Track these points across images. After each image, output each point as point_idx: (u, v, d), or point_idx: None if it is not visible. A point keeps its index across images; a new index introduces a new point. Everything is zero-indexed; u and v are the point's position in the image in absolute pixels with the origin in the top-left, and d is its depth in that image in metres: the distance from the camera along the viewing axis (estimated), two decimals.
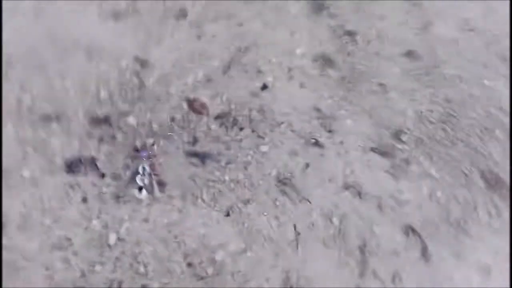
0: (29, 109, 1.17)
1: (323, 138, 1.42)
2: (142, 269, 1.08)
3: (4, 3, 1.29)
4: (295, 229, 1.24)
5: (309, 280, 1.19)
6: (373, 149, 1.46)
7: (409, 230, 1.35)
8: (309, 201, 1.29)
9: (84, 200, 1.11)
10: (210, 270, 1.13)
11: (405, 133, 1.53)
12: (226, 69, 1.42)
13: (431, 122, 1.59)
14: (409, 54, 1.75)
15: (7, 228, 1.02)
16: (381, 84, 1.62)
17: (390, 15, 1.82)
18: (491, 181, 1.52)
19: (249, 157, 1.32)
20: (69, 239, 1.06)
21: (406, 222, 1.36)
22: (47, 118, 1.17)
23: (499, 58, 1.92)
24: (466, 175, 1.50)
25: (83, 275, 1.03)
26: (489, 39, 1.93)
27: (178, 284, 1.08)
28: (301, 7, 1.66)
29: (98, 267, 1.05)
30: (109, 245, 1.08)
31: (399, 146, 1.49)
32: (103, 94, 1.25)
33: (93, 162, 1.16)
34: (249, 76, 1.45)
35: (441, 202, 1.42)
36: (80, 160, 1.15)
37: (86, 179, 1.13)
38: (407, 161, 1.46)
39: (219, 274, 1.13)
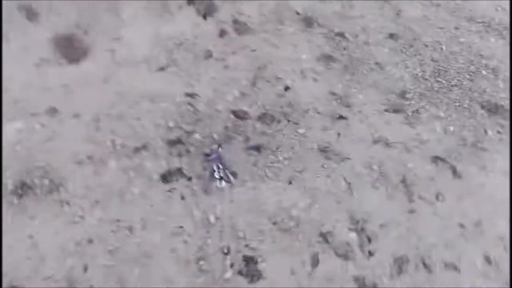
0: (122, 146, 1.55)
1: (344, 112, 1.77)
2: (241, 234, 1.39)
3: (76, 77, 1.71)
4: (345, 180, 1.55)
5: (369, 214, 1.48)
6: (386, 110, 1.79)
7: (437, 159, 1.65)
8: (349, 158, 1.61)
9: (182, 198, 1.45)
10: (291, 224, 1.43)
11: (408, 92, 1.87)
12: (253, 84, 1.81)
13: (426, 79, 1.94)
14: (391, 36, 2.14)
15: (149, 230, 1.35)
16: (377, 63, 1.99)
17: (367, 13, 2.23)
18: (491, 109, 1.83)
19: (292, 140, 1.66)
20: (181, 227, 1.38)
21: (432, 154, 1.66)
22: (137, 149, 1.54)
23: (467, 19, 2.30)
24: (468, 109, 1.83)
25: (200, 249, 1.35)
26: (453, 8, 2.32)
27: (271, 238, 1.38)
28: (296, 26, 2.08)
29: (209, 240, 1.37)
30: (211, 224, 1.40)
31: (406, 102, 1.83)
32: (171, 123, 1.63)
33: (180, 171, 1.51)
34: (272, 84, 1.83)
35: (456, 133, 1.73)
36: (169, 172, 1.50)
37: (179, 184, 1.48)
38: (417, 111, 1.80)
39: (299, 224, 1.43)
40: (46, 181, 1.43)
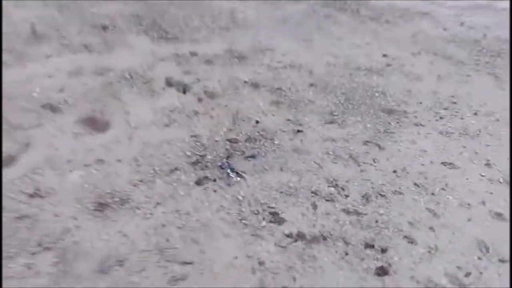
0: (160, 170, 2.17)
1: (300, 128, 2.61)
2: (262, 201, 2.05)
3: (107, 140, 2.33)
4: (315, 162, 2.33)
5: (336, 177, 2.24)
6: (325, 123, 2.67)
7: (366, 142, 2.52)
8: (312, 151, 2.41)
9: (215, 191, 2.09)
10: (292, 190, 2.13)
11: (334, 112, 2.80)
12: (234, 123, 2.59)
13: (342, 104, 2.89)
14: (311, 85, 3.12)
15: (201, 211, 1.94)
16: (308, 100, 2.92)
17: (291, 75, 3.22)
18: (388, 112, 2.81)
19: (273, 148, 2.42)
20: (221, 206, 2.01)
21: (362, 140, 2.53)
22: (171, 171, 2.18)
23: (355, 69, 3.41)
24: (375, 114, 2.78)
25: (239, 214, 1.97)
26: (347, 61, 3.43)
27: (283, 200, 2.06)
28: (248, 89, 2.98)
29: (243, 209, 2.00)
30: (240, 200, 2.05)
31: (335, 117, 2.74)
32: (188, 153, 2.31)
33: (206, 177, 2.16)
34: (246, 121, 2.63)
35: (372, 127, 2.64)
36: (199, 179, 2.15)
37: (209, 184, 2.13)
38: (343, 121, 2.70)
39: (297, 190, 2.14)
40: (117, 199, 1.98)
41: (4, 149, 2.20)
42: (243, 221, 1.92)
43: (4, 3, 3.88)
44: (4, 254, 1.67)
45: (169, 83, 2.90)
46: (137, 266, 1.68)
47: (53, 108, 2.56)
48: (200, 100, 2.77)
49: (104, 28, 3.62)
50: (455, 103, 3.00)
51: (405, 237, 1.92)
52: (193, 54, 3.33)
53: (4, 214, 1.85)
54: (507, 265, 1.83)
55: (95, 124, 2.48)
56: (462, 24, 4.53)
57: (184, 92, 2.82)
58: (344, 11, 4.54)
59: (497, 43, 4.14)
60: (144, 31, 3.65)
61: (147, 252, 1.74)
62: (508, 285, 1.75)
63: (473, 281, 1.74)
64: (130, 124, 2.49)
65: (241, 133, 2.49)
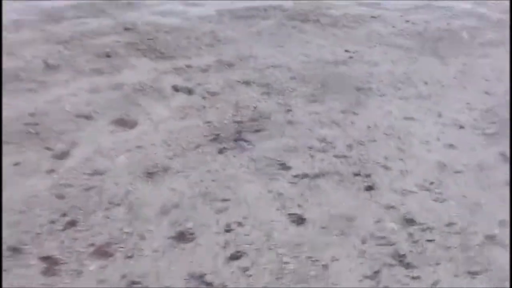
0: (189, 146, 2.75)
1: (289, 110, 3.25)
2: (272, 156, 2.65)
3: (138, 133, 2.90)
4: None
5: (324, 137, 2.88)
6: (311, 101, 3.33)
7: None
8: (302, 122, 3.05)
9: (234, 156, 2.68)
10: (292, 147, 2.74)
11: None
12: (236, 112, 3.21)
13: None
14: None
15: (228, 167, 2.52)
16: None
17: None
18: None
19: (274, 123, 3.04)
20: (242, 165, 2.60)
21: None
22: (197, 146, 2.76)
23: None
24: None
25: (259, 170, 2.56)
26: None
27: (287, 153, 2.67)
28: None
29: (260, 167, 2.59)
30: (255, 159, 2.64)
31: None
32: (206, 133, 2.90)
33: (224, 148, 2.75)
34: (246, 109, 3.26)
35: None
36: (220, 149, 2.73)
37: (228, 152, 2.72)
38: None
39: (296, 147, 2.75)
40: (160, 168, 2.54)
41: (56, 148, 2.73)
42: (260, 171, 2.51)
43: (11, 42, 4.43)
44: (84, 211, 2.19)
45: (175, 88, 3.51)
46: (189, 206, 2.23)
47: (86, 117, 3.10)
48: (204, 98, 3.39)
49: (108, 55, 4.21)
50: (408, 78, 3.73)
51: (382, 166, 2.56)
52: (189, 66, 3.96)
53: (73, 189, 2.37)
54: (461, 174, 2.49)
55: (124, 123, 3.03)
56: (407, 21, 5.38)
57: (190, 93, 3.43)
58: (307, 21, 5.31)
59: (437, 32, 4.99)
60: (142, 54, 4.26)
61: (194, 197, 2.30)
62: None
63: (436, 186, 2.38)
64: (153, 120, 3.06)
65: (244, 116, 3.10)
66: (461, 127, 2.98)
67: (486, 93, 3.48)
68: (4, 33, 4.82)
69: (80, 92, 3.44)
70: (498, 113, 3.17)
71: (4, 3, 6.04)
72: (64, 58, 4.15)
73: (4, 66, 3.86)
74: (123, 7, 5.93)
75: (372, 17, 5.55)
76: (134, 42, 4.57)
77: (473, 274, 1.87)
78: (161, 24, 5.10)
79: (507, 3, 6.49)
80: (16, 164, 2.56)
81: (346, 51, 4.33)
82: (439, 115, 3.10)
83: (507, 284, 1.84)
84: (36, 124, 2.98)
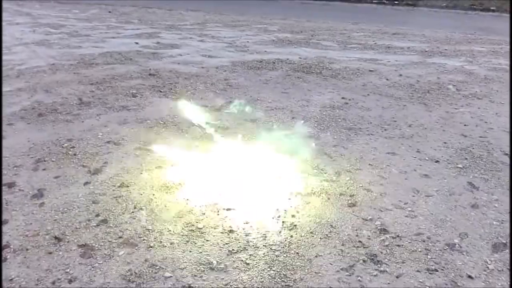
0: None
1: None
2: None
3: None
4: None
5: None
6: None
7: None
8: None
9: None
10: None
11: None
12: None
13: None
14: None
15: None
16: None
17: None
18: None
19: None
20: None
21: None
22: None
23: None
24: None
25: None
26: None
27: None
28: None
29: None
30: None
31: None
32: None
33: None
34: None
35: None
36: None
37: None
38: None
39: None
40: (177, 185, 3.04)
41: (90, 166, 3.26)
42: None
43: (48, 81, 5.12)
44: (114, 213, 2.68)
45: (192, 124, 4.08)
46: (200, 213, 2.70)
47: (115, 143, 3.66)
48: (216, 131, 3.94)
49: (134, 95, 4.85)
50: (395, 121, 4.27)
51: (365, 189, 3.01)
52: (204, 106, 4.56)
53: (105, 197, 2.86)
54: (431, 197, 2.93)
55: (147, 149, 3.58)
56: (400, 75, 6.02)
57: (204, 128, 3.99)
58: (310, 73, 5.97)
59: (428, 85, 5.60)
60: (164, 95, 4.90)
61: (204, 206, 2.77)
62: None
63: (409, 206, 2.83)
64: (172, 148, 3.60)
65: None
66: (437, 161, 3.45)
67: (463, 135, 3.98)
68: (41, 74, 5.56)
69: (110, 124, 4.03)
70: (472, 151, 3.65)
71: (38, 49, 6.89)
72: (95, 96, 4.80)
73: (42, 100, 4.51)
74: (148, 56, 6.71)
75: (370, 70, 6.20)
76: (156, 85, 5.23)
77: (432, 271, 2.27)
78: (181, 72, 5.80)
79: (497, 61, 7.16)
80: (57, 177, 3.08)
81: (343, 98, 4.91)
82: (418, 151, 3.59)
83: (460, 280, 2.24)
84: (73, 147, 3.53)
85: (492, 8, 17.17)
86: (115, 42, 7.97)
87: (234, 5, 16.51)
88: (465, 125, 4.26)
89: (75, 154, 3.40)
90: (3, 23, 9.65)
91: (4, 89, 5.00)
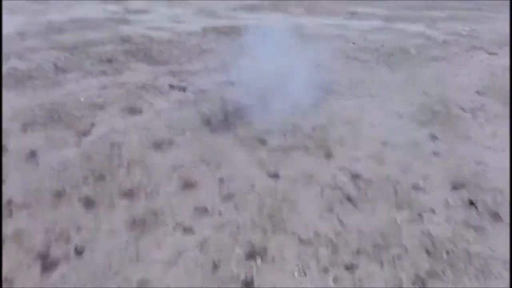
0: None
1: None
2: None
3: None
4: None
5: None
6: None
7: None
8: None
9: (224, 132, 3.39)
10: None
11: None
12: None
13: None
14: None
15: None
16: None
17: None
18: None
19: None
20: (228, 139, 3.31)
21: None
22: (193, 129, 3.45)
23: None
24: None
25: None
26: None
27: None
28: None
29: None
30: (239, 137, 3.35)
31: None
32: (200, 118, 3.60)
33: (217, 126, 3.46)
34: None
35: None
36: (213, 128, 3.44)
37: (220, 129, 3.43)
38: None
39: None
40: (167, 143, 3.22)
41: (77, 128, 3.37)
42: (245, 145, 3.22)
43: (19, 49, 5.05)
44: (110, 169, 2.84)
45: (171, 87, 4.21)
46: (191, 166, 2.91)
47: (99, 106, 3.75)
48: (196, 94, 4.10)
49: (109, 60, 4.89)
50: (363, 82, 4.57)
51: (338, 142, 3.31)
52: (181, 71, 4.68)
53: (98, 155, 3.01)
54: (398, 148, 3.27)
55: (132, 111, 3.70)
56: (365, 39, 6.30)
57: (184, 90, 4.14)
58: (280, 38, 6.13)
59: (391, 49, 5.91)
60: (140, 60, 4.96)
61: (194, 161, 2.98)
62: None
63: (378, 155, 3.15)
64: (155, 109, 3.74)
65: (230, 107, 3.83)
66: (401, 116, 3.79)
67: (424, 93, 4.35)
68: (11, 42, 5.45)
69: (91, 88, 4.10)
70: (432, 107, 4.01)
71: (4, 17, 6.66)
72: (70, 62, 4.80)
73: (16, 67, 4.48)
74: (118, 22, 6.64)
75: (336, 35, 6.45)
76: (130, 50, 5.27)
77: (400, 208, 2.62)
78: (153, 37, 5.82)
79: (455, 26, 7.58)
80: (46, 138, 3.18)
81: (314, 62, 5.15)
82: (385, 108, 3.92)
83: (425, 214, 2.60)
84: (57, 111, 3.61)
85: None
86: (82, 8, 7.77)
87: None
88: (425, 84, 4.62)
89: (60, 118, 3.49)
90: None
91: None
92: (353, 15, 8.35)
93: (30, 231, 2.28)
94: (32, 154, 2.95)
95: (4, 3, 7.80)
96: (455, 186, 2.80)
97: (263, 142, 3.24)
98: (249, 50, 5.27)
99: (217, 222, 2.38)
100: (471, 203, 2.60)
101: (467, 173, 2.94)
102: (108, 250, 2.14)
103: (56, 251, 2.13)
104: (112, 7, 7.94)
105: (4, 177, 2.70)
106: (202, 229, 2.32)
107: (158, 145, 3.13)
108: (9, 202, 2.48)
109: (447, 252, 2.20)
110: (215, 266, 2.08)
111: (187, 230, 2.30)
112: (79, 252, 2.12)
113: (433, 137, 3.45)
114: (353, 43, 6.01)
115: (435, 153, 3.20)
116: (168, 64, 4.85)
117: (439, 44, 6.38)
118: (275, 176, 2.83)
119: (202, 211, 2.47)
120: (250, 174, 2.83)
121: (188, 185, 2.69)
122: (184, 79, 4.43)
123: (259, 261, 2.11)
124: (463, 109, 3.97)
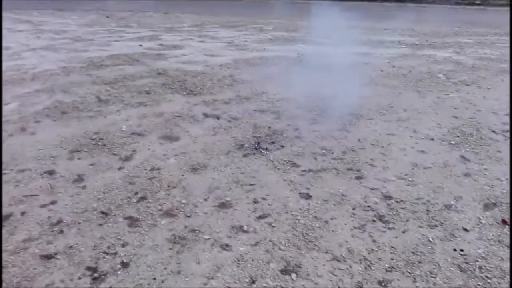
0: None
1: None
2: (288, 159, 3.50)
3: None
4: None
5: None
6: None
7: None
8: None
9: (255, 158, 3.55)
10: (303, 147, 3.61)
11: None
12: (255, 131, 4.11)
13: None
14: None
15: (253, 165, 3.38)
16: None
17: None
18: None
19: (284, 135, 3.92)
20: (262, 164, 3.45)
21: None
22: (227, 152, 3.62)
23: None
24: None
25: (276, 167, 3.42)
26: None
27: (299, 150, 3.53)
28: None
29: (276, 164, 3.45)
30: (272, 160, 3.49)
31: None
32: (234, 145, 3.78)
33: (248, 153, 3.62)
34: (263, 128, 4.16)
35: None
36: (245, 154, 3.60)
37: (251, 156, 3.58)
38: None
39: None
40: (202, 166, 3.39)
41: (120, 154, 3.60)
42: (277, 168, 3.35)
43: (64, 83, 5.43)
44: (151, 191, 3.02)
45: (206, 115, 4.43)
46: (226, 188, 3.06)
47: (139, 134, 4.00)
48: (229, 121, 4.30)
49: (147, 92, 5.20)
50: (392, 107, 4.65)
51: (369, 164, 3.39)
52: (215, 100, 4.92)
53: (139, 179, 3.21)
54: (429, 169, 3.32)
55: (170, 138, 3.93)
56: (393, 66, 6.42)
57: (218, 118, 4.35)
58: (309, 67, 6.35)
59: (420, 74, 6.00)
60: (176, 91, 5.25)
61: (229, 183, 3.13)
62: None
63: (409, 176, 3.21)
64: (191, 136, 3.95)
65: (261, 132, 4.00)
66: (431, 139, 3.84)
67: (454, 117, 4.38)
68: (55, 77, 5.88)
69: (131, 118, 4.37)
70: (462, 130, 4.04)
71: (47, 54, 7.20)
72: (112, 95, 5.13)
73: (62, 100, 4.84)
74: (154, 57, 7.05)
75: (365, 63, 6.59)
76: (167, 83, 5.58)
77: (432, 226, 2.65)
78: (187, 70, 6.15)
79: (483, 51, 7.61)
80: (92, 164, 3.42)
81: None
82: (414, 132, 3.98)
83: (457, 233, 2.62)
84: (101, 139, 3.87)
85: (476, 2, 17.72)
86: (119, 45, 8.30)
87: (228, 7, 16.88)
88: (455, 108, 4.66)
89: (104, 145, 3.74)
90: (5, 31, 9.92)
91: (22, 91, 5.32)
92: (380, 43, 8.50)
93: (80, 247, 2.45)
94: (79, 178, 3.17)
95: (47, 42, 8.44)
96: (487, 206, 2.81)
97: (294, 165, 3.36)
98: (278, 80, 5.49)
99: (252, 239, 2.48)
100: (504, 222, 2.61)
101: (499, 193, 2.95)
102: (151, 265, 2.28)
103: (104, 265, 2.29)
104: (147, 44, 8.43)
105: (54, 198, 2.92)
106: (238, 246, 2.43)
107: (194, 169, 3.30)
108: (59, 221, 2.67)
109: (480, 268, 2.22)
110: (252, 281, 2.18)
111: (224, 247, 2.42)
112: (125, 265, 2.27)
113: (464, 159, 3.48)
114: (381, 70, 6.13)
115: (467, 174, 3.22)
116: (202, 94, 5.11)
117: (468, 69, 6.42)
118: (307, 197, 2.93)
119: (238, 229, 2.58)
120: (282, 195, 2.94)
121: (223, 205, 2.82)
122: (217, 107, 4.65)
123: (294, 276, 2.20)
124: (494, 132, 3.98)
